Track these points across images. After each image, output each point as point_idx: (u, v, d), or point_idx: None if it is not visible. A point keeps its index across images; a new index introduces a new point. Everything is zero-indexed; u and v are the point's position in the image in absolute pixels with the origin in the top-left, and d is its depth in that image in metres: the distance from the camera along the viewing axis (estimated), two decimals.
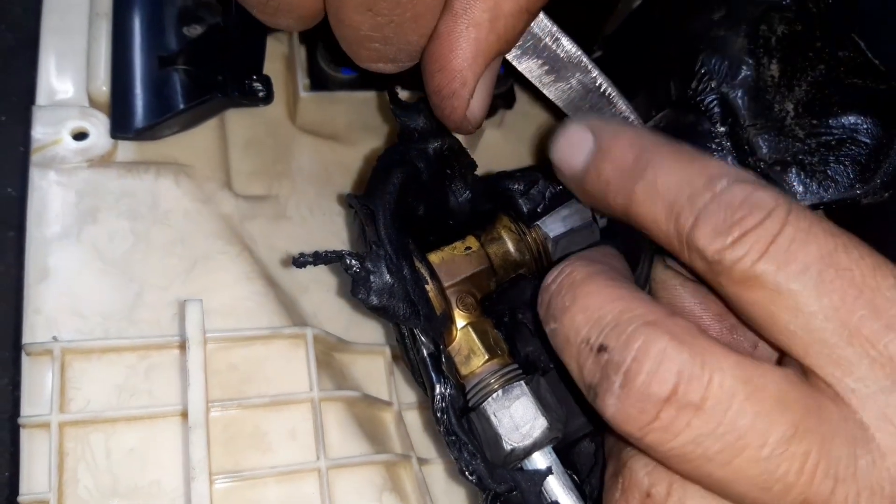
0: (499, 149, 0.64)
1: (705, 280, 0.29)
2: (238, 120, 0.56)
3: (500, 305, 0.43)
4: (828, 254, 0.26)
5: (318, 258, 0.38)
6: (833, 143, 0.44)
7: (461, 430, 0.38)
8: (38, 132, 0.49)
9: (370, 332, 0.52)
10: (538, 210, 0.43)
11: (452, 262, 0.43)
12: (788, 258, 0.26)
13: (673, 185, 0.29)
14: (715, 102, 0.46)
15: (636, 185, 0.30)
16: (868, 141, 0.44)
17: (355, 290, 0.37)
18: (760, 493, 0.26)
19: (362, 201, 0.40)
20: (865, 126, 0.45)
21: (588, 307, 0.29)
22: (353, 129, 0.59)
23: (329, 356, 0.48)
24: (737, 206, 0.27)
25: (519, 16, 0.34)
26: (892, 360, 0.25)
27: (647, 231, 0.30)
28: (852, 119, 0.45)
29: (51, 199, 0.47)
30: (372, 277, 0.37)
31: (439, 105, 0.36)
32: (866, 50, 0.50)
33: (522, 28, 0.35)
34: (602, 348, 0.27)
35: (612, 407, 0.27)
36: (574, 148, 0.33)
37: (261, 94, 0.47)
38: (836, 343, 0.26)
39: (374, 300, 0.37)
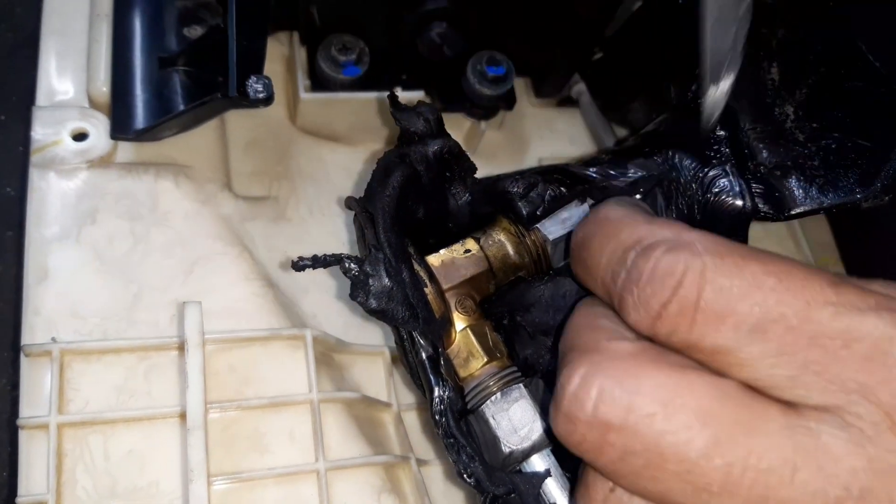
0: (499, 150, 0.64)
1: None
2: (238, 121, 0.56)
3: (500, 308, 0.43)
4: (757, 303, 0.26)
5: (316, 262, 0.38)
6: (833, 146, 0.44)
7: (459, 432, 0.38)
8: (38, 133, 0.49)
9: (370, 333, 0.52)
10: (537, 213, 0.43)
11: (452, 264, 0.43)
12: (717, 322, 0.26)
13: (598, 268, 0.30)
14: None
15: (577, 267, 0.33)
16: (868, 145, 0.44)
17: (354, 294, 0.37)
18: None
19: (362, 204, 0.40)
20: (866, 129, 0.45)
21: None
22: (354, 130, 0.59)
23: (328, 357, 0.48)
24: (645, 281, 0.27)
25: None
26: (844, 384, 0.25)
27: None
28: (852, 122, 0.45)
29: (50, 199, 0.47)
30: (371, 281, 0.37)
31: None
32: (867, 53, 0.50)
33: None
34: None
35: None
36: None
37: (261, 95, 0.47)
38: (792, 379, 0.26)
39: (373, 303, 0.37)
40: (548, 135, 0.66)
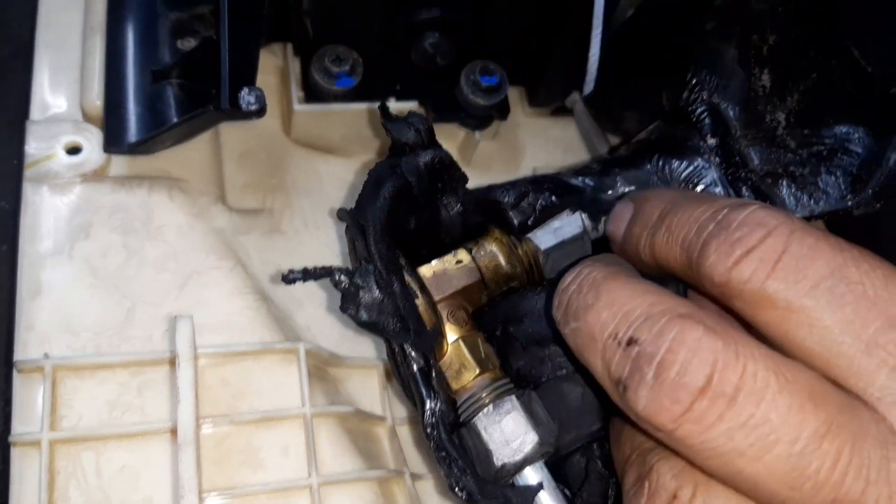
0: (494, 159, 0.64)
1: (727, 310, 0.29)
2: (232, 133, 0.56)
3: (492, 319, 0.43)
4: (837, 268, 0.26)
5: (307, 274, 0.38)
6: (824, 153, 0.44)
7: (451, 445, 0.37)
8: (32, 147, 0.49)
9: (364, 346, 0.52)
10: (529, 222, 0.43)
11: (444, 275, 0.43)
12: (797, 275, 0.26)
13: (684, 225, 0.30)
14: (706, 114, 0.46)
15: (656, 234, 0.31)
16: (860, 151, 0.44)
17: (344, 306, 0.37)
18: (790, 491, 0.25)
19: (353, 216, 0.40)
20: (857, 135, 0.44)
21: (614, 302, 0.28)
22: (348, 141, 0.59)
23: (322, 371, 0.48)
24: (735, 227, 0.27)
25: None
26: None
27: (672, 274, 0.31)
28: (844, 129, 0.45)
29: (44, 214, 0.47)
30: (361, 293, 0.37)
31: None
32: (860, 58, 0.50)
33: None
34: (632, 341, 0.27)
35: (644, 399, 0.26)
36: (617, 219, 0.36)
37: (253, 107, 0.47)
38: (854, 355, 0.25)
39: (364, 315, 0.37)
40: (542, 144, 0.66)
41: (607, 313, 0.28)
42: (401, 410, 0.51)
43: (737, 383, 0.25)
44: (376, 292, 0.37)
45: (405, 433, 0.50)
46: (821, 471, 0.24)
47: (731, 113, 0.46)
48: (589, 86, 0.48)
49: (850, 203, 0.43)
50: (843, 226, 0.62)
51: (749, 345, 0.26)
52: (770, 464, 0.25)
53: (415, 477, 0.47)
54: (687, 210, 0.30)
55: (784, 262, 0.26)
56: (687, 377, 0.25)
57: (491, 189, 0.44)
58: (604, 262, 0.33)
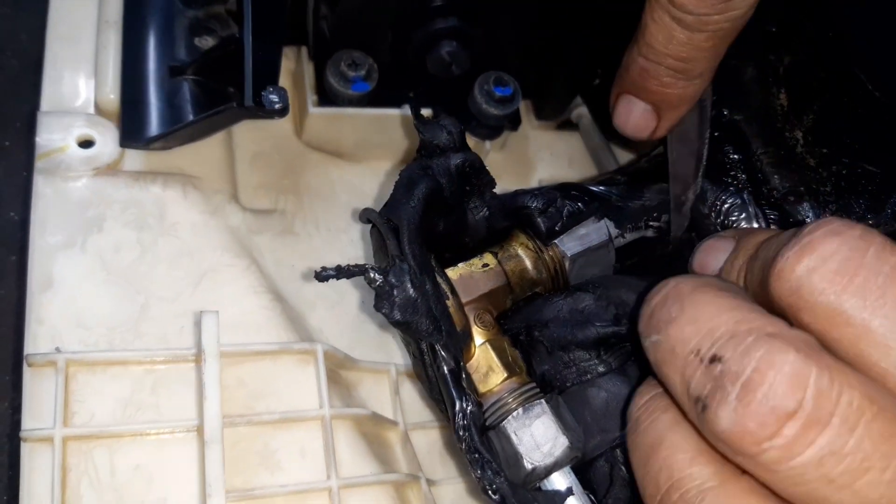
0: (501, 170, 0.64)
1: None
2: (245, 134, 0.55)
3: (517, 323, 0.43)
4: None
5: (340, 272, 0.37)
6: (844, 171, 0.45)
7: (483, 447, 0.37)
8: (43, 138, 0.47)
9: (375, 350, 0.51)
10: (556, 228, 0.43)
11: (470, 278, 0.43)
12: (877, 294, 0.25)
13: (770, 246, 0.29)
14: (726, 130, 0.47)
15: (751, 262, 0.31)
16: (877, 171, 0.45)
17: (379, 305, 0.37)
18: None
19: (385, 214, 0.40)
20: (874, 155, 0.46)
21: (699, 317, 0.27)
22: (360, 146, 0.59)
23: (336, 374, 0.48)
24: (806, 232, 0.27)
25: None
26: None
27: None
28: (861, 148, 0.46)
29: (55, 206, 0.46)
30: (395, 292, 0.37)
31: None
32: (866, 82, 0.52)
33: None
34: (715, 359, 0.26)
35: (727, 420, 0.25)
36: (712, 251, 0.34)
37: (277, 105, 0.46)
38: None
39: (398, 315, 0.37)
40: (548, 156, 0.66)
41: (690, 328, 0.27)
42: (411, 416, 0.50)
43: (831, 409, 0.24)
44: (411, 291, 0.37)
45: (416, 439, 0.50)
46: None
47: (750, 129, 0.47)
48: None
49: (870, 222, 0.44)
50: None
51: (843, 371, 0.25)
52: (859, 491, 0.24)
53: (428, 483, 0.47)
54: (778, 235, 0.29)
55: (862, 276, 0.25)
56: (775, 400, 0.24)
57: (518, 194, 0.44)
58: (693, 276, 0.31)
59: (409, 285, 0.37)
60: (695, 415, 0.27)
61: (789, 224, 0.44)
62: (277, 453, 0.42)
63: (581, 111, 0.66)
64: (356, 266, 0.37)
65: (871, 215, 0.44)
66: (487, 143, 0.61)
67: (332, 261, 0.54)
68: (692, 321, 0.27)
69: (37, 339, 0.42)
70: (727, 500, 0.26)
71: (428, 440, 0.50)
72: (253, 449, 0.42)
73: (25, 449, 0.39)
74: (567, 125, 0.68)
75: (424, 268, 0.39)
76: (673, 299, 0.28)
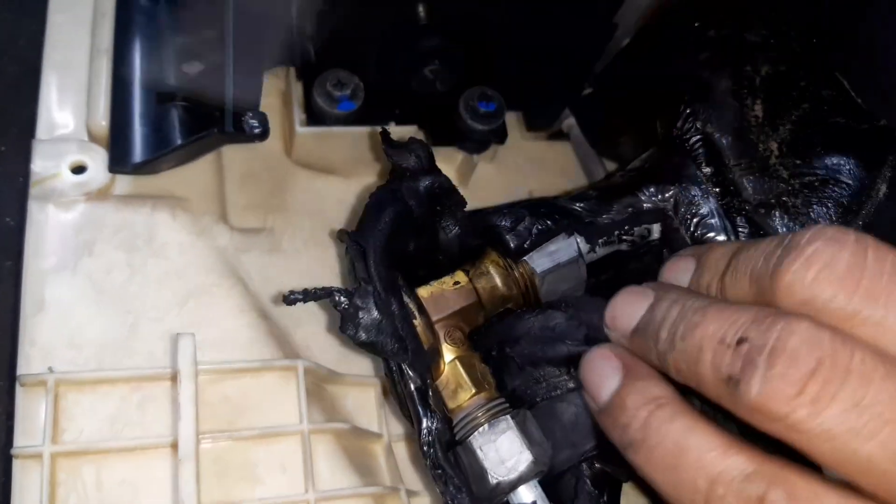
0: (491, 182, 0.65)
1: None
2: (234, 154, 0.57)
3: (488, 340, 0.44)
4: None
5: (307, 295, 0.38)
6: (816, 183, 0.45)
7: (447, 463, 0.38)
8: (38, 165, 0.50)
9: (361, 364, 0.53)
10: (525, 245, 0.44)
11: (441, 296, 0.44)
12: (886, 296, 0.27)
13: (752, 259, 0.30)
14: (700, 143, 0.47)
15: (725, 278, 0.32)
16: (850, 182, 0.45)
17: (344, 327, 0.38)
18: None
19: (353, 238, 0.41)
20: (848, 167, 0.46)
21: (721, 316, 0.29)
22: (349, 164, 0.60)
23: (320, 388, 0.49)
24: (805, 242, 0.28)
25: None
26: None
27: None
28: (835, 159, 0.46)
29: (48, 231, 0.48)
30: (360, 314, 0.38)
31: None
32: (849, 89, 0.52)
33: None
34: (741, 341, 0.28)
35: (757, 387, 0.27)
36: (674, 270, 0.35)
37: (257, 130, 0.48)
38: None
39: (362, 336, 0.38)
40: (539, 167, 0.67)
41: (715, 325, 0.29)
42: (397, 427, 0.51)
43: (847, 366, 0.26)
44: (375, 313, 0.38)
45: (401, 450, 0.51)
46: None
47: (724, 142, 0.47)
48: None
49: None
50: None
51: (853, 338, 0.26)
52: (884, 441, 0.25)
53: (410, 494, 0.48)
54: (752, 247, 0.30)
55: (867, 279, 0.27)
56: (799, 361, 0.26)
57: (488, 213, 0.45)
58: (696, 295, 0.33)
59: (373, 307, 0.38)
60: (727, 396, 0.28)
61: (759, 236, 0.45)
62: (258, 467, 0.44)
63: (571, 122, 0.67)
64: (322, 289, 0.39)
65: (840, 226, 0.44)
66: (475, 157, 0.62)
67: (319, 277, 0.56)
68: (716, 319, 0.29)
69: (30, 360, 0.44)
70: (770, 476, 0.28)
71: (413, 450, 0.51)
72: (234, 463, 0.44)
73: (16, 465, 0.41)
74: (558, 135, 0.69)
75: (391, 289, 0.40)
76: (692, 312, 0.30)
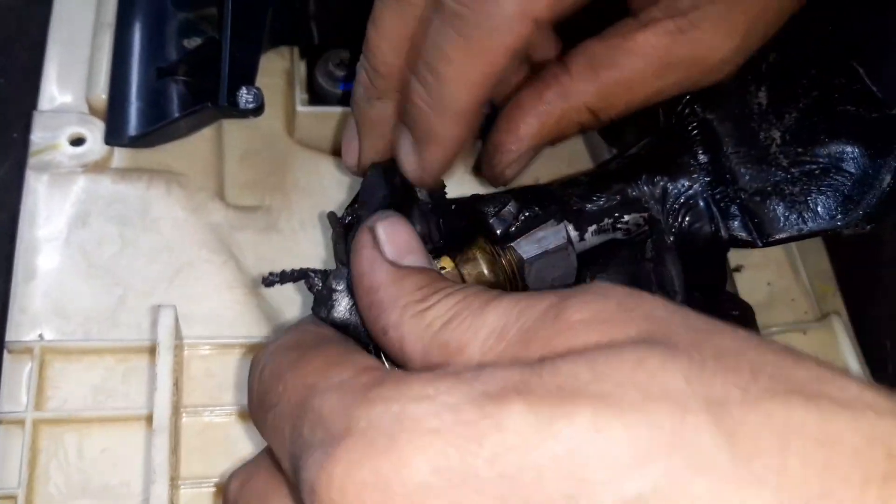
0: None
1: None
2: (235, 132, 0.57)
3: None
4: None
5: (284, 277, 0.39)
6: (817, 172, 0.44)
7: None
8: (37, 136, 0.50)
9: None
10: (510, 231, 0.43)
11: None
12: None
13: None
14: (698, 129, 0.46)
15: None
16: (853, 171, 0.43)
17: (316, 309, 0.38)
18: None
19: (333, 219, 0.41)
20: (852, 155, 0.44)
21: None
22: None
23: None
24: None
25: None
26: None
27: None
28: (839, 147, 0.44)
29: (44, 201, 0.49)
30: (334, 296, 0.38)
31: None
32: (865, 77, 0.50)
33: None
34: None
35: None
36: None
37: (251, 105, 0.48)
38: None
39: (335, 317, 0.37)
40: (546, 156, 0.66)
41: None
42: None
43: None
44: (349, 296, 0.38)
45: None
46: None
47: (723, 129, 0.45)
48: None
49: (839, 223, 0.43)
50: (850, 247, 0.61)
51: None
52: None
53: None
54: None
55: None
56: None
57: (475, 199, 0.44)
58: None
59: (347, 289, 0.38)
60: None
61: (753, 224, 0.43)
62: (238, 443, 0.44)
63: None
64: (299, 270, 0.39)
65: (841, 216, 0.42)
66: (479, 142, 0.61)
67: (314, 257, 0.56)
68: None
69: (19, 327, 0.45)
70: None
71: None
72: (216, 438, 0.44)
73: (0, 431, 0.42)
74: None
75: None
76: None
